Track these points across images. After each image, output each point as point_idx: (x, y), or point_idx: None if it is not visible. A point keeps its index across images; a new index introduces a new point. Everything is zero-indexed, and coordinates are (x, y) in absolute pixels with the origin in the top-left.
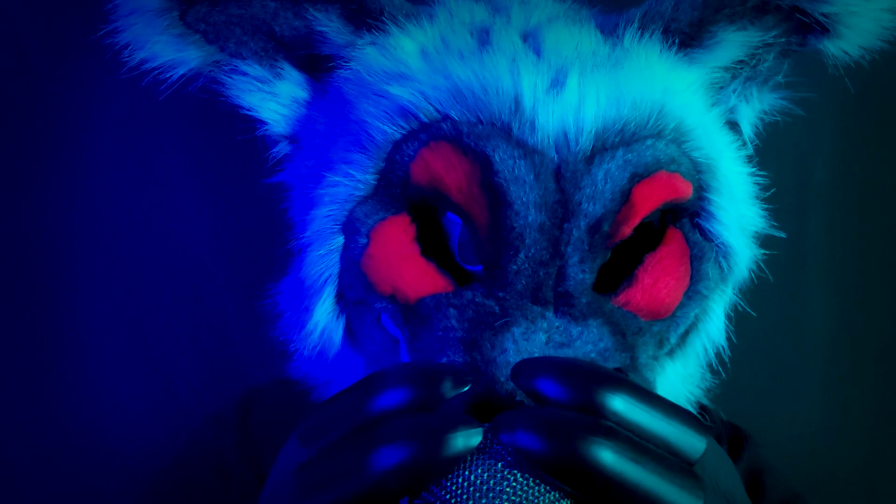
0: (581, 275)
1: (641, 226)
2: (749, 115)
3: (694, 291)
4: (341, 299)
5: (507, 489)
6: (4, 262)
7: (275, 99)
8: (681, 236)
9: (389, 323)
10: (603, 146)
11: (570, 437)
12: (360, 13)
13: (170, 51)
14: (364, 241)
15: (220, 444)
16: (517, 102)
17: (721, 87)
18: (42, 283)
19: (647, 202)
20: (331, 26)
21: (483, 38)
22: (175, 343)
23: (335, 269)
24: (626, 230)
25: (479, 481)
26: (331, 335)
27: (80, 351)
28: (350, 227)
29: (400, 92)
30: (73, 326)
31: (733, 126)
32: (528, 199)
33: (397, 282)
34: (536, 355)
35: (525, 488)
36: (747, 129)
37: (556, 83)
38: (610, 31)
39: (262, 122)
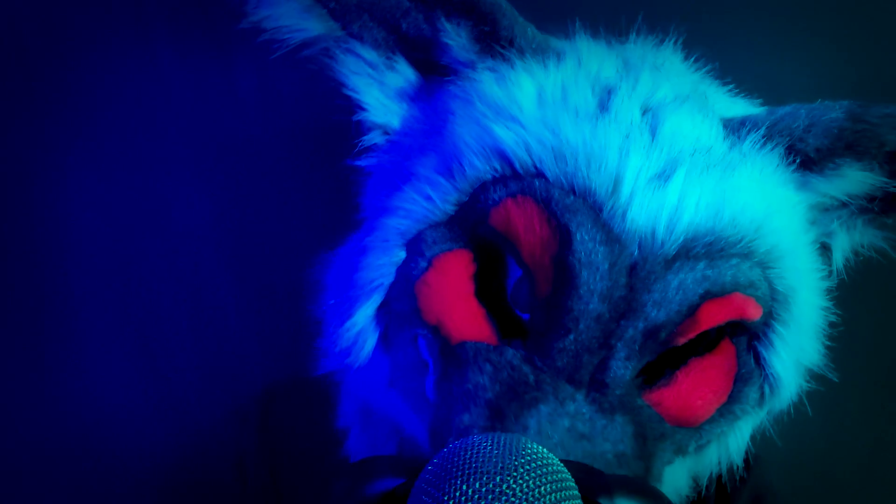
0: (623, 371)
1: None
2: (845, 245)
3: (728, 410)
4: (386, 307)
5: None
6: (5, 263)
7: (381, 87)
8: (733, 352)
9: (425, 349)
10: (686, 254)
11: None
12: (490, 37)
13: (294, 17)
14: (425, 265)
15: (239, 441)
16: (616, 184)
17: (826, 209)
18: (43, 283)
19: (711, 320)
20: (457, 41)
21: (604, 99)
22: (175, 342)
23: (388, 280)
24: (682, 341)
25: (476, 496)
26: (365, 339)
27: (80, 351)
28: (415, 247)
29: (504, 135)
30: (73, 326)
31: (825, 250)
32: (595, 287)
33: (444, 317)
34: (555, 441)
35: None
36: (839, 257)
37: (662, 175)
38: (734, 127)
39: (362, 107)
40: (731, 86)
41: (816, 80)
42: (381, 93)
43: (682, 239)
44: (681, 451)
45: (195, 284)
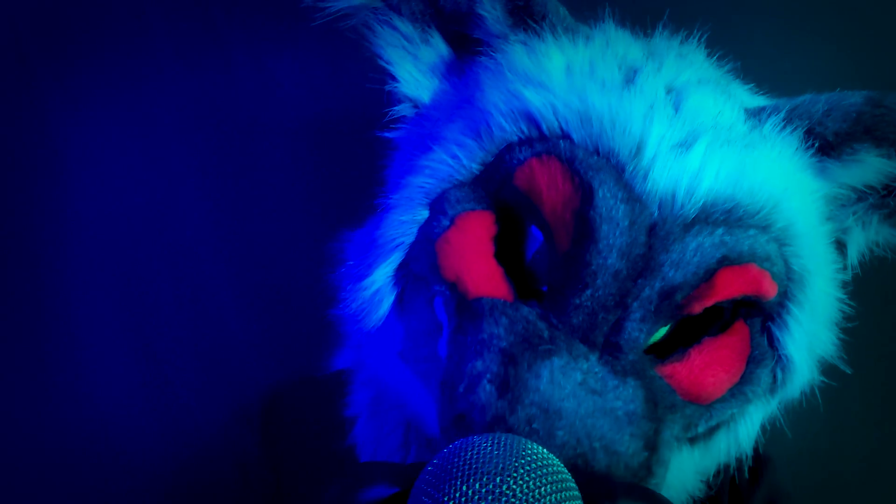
0: (637, 333)
1: (711, 307)
2: (860, 241)
3: (740, 391)
4: (404, 268)
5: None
6: (5, 263)
7: (415, 61)
8: (747, 333)
9: (441, 308)
10: (706, 219)
11: None
12: (524, 11)
13: None
14: (447, 223)
15: (243, 442)
16: (639, 148)
17: (842, 205)
18: (43, 283)
19: (727, 288)
20: (492, 14)
21: (629, 76)
22: (175, 343)
23: (409, 239)
24: (697, 307)
25: (476, 497)
26: (382, 298)
27: (80, 351)
28: (438, 206)
29: (532, 97)
30: (73, 325)
31: (840, 246)
32: (614, 242)
33: (463, 273)
34: (567, 392)
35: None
36: (853, 254)
37: (684, 144)
38: (754, 112)
39: (394, 79)
40: (751, 85)
41: (838, 82)
42: (414, 66)
43: (701, 203)
44: (689, 428)
45: (196, 284)
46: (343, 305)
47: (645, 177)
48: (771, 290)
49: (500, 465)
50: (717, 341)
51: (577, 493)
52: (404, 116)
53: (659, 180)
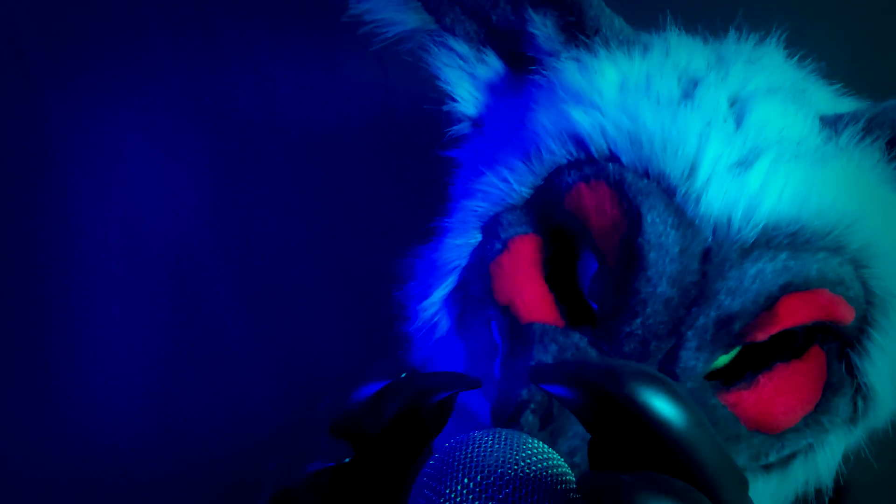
0: (693, 362)
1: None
2: None
3: (815, 420)
4: (462, 290)
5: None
6: (5, 264)
7: (472, 80)
8: (824, 359)
9: (496, 330)
10: (767, 243)
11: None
12: (576, 27)
13: (392, 10)
14: (499, 247)
15: (306, 436)
16: (693, 169)
17: None
18: (44, 284)
19: (793, 316)
20: (543, 31)
21: (689, 89)
22: (175, 345)
23: (464, 262)
24: (760, 336)
25: (478, 489)
26: (441, 319)
27: (80, 352)
28: (491, 230)
29: (581, 119)
30: (73, 326)
31: None
32: (664, 269)
33: (515, 298)
34: None
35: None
36: None
37: (744, 162)
38: (831, 121)
39: (453, 98)
40: (838, 86)
41: None
42: (471, 85)
43: (760, 227)
44: (758, 457)
45: (195, 286)
46: (407, 324)
47: (697, 200)
48: (847, 315)
49: (501, 458)
50: (790, 367)
51: (574, 486)
52: (464, 135)
53: (714, 203)
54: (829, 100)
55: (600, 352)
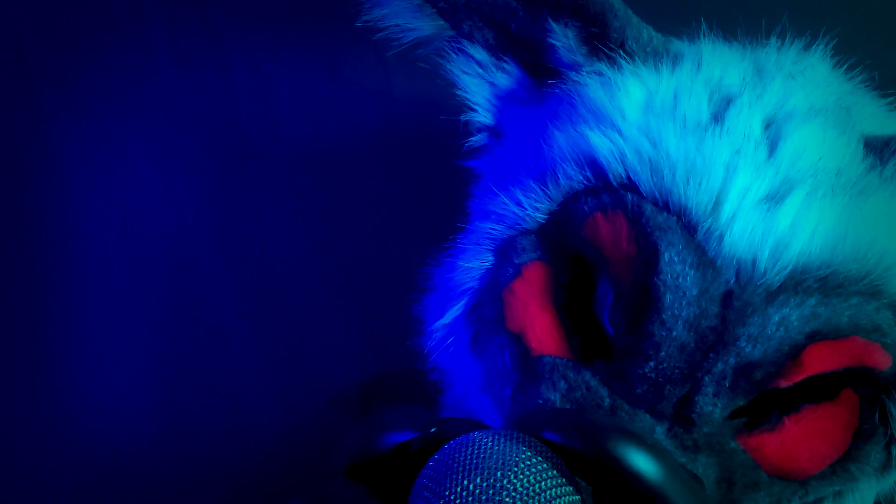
0: (710, 408)
1: None
2: None
3: (843, 468)
4: (476, 311)
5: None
6: (5, 265)
7: (491, 88)
8: (856, 403)
9: (508, 357)
10: (794, 287)
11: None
12: (599, 39)
13: (406, 16)
14: (512, 271)
15: (336, 427)
16: (717, 204)
17: None
18: (44, 285)
19: (820, 363)
20: (564, 42)
21: (720, 109)
22: (176, 348)
23: (476, 284)
24: (784, 384)
25: (477, 490)
26: (454, 340)
27: (80, 353)
28: (505, 253)
29: (599, 143)
30: (73, 327)
31: None
32: (679, 313)
33: (526, 328)
34: None
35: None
36: None
37: (774, 197)
38: (877, 146)
39: (471, 107)
40: (890, 99)
41: None
42: (490, 94)
43: (788, 269)
44: (781, 503)
45: (195, 287)
46: (423, 340)
47: (720, 238)
48: (883, 362)
49: (501, 460)
50: (819, 410)
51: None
52: (483, 146)
53: (738, 242)
54: (878, 117)
55: (612, 391)
